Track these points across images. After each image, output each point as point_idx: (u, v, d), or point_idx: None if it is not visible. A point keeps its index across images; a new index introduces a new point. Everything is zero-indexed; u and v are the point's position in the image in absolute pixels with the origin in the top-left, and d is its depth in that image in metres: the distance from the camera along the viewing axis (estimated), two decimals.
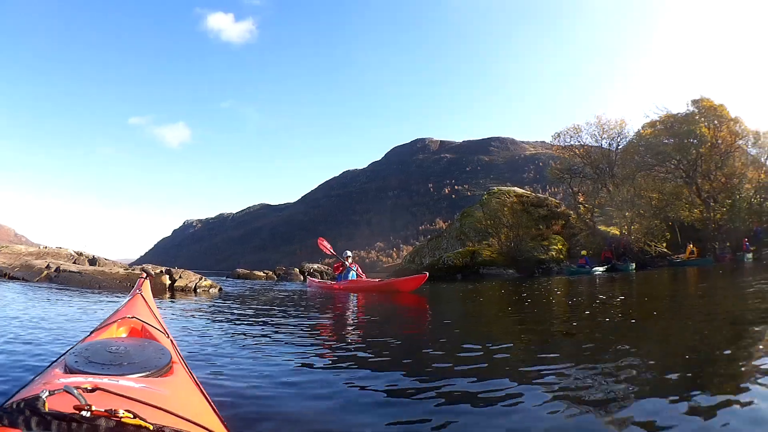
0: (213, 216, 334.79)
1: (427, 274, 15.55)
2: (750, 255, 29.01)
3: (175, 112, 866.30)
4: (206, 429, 1.50)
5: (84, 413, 1.23)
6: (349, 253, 19.26)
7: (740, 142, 37.12)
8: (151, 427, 1.25)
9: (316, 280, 22.07)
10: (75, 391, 1.34)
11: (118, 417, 1.24)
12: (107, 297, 11.42)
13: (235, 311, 9.15)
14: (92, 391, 1.45)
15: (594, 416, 2.69)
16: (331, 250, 20.53)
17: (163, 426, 1.30)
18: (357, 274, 18.37)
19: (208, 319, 7.73)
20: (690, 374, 3.50)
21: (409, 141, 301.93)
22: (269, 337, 5.89)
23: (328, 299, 13.42)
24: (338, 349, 5.29)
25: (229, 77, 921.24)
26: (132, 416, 1.26)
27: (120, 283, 15.22)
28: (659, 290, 13.16)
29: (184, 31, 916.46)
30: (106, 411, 1.26)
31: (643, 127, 40.69)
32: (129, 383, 1.70)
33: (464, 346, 5.00)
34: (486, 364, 4.12)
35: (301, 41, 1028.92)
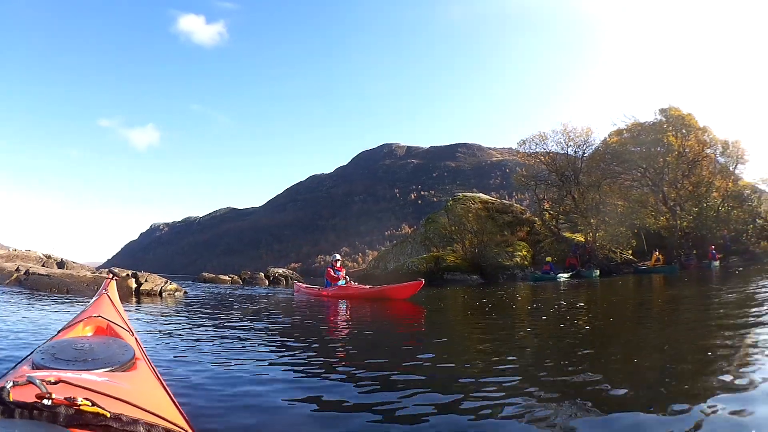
0: (179, 220, 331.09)
1: (423, 281, 14.63)
2: (717, 263, 29.10)
3: (144, 114, 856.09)
4: (166, 420, 1.47)
5: (45, 402, 1.26)
6: (338, 256, 18.48)
7: (708, 150, 37.55)
8: (108, 414, 1.26)
9: (304, 286, 20.46)
10: (38, 381, 1.38)
11: (77, 405, 1.26)
12: (79, 299, 11.92)
13: (199, 315, 9.48)
14: (55, 383, 1.47)
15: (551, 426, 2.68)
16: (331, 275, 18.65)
17: (120, 414, 1.30)
18: (346, 281, 17.33)
19: (173, 321, 8.11)
20: (650, 383, 3.51)
21: (375, 146, 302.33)
22: (230, 339, 6.06)
23: (293, 303, 14.26)
24: (297, 350, 5.45)
25: (200, 80, 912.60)
26: (90, 404, 1.27)
27: (87, 286, 15.49)
28: (620, 297, 13.32)
29: (157, 33, 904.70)
30: (65, 399, 1.29)
31: (609, 135, 41.05)
32: (91, 377, 1.72)
33: (420, 355, 5.10)
34: (440, 375, 4.10)
35: (270, 45, 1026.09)
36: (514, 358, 4.57)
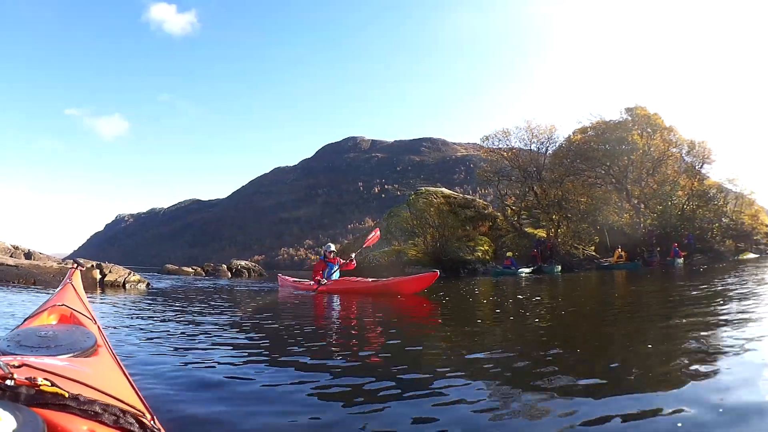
0: (145, 211, 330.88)
1: (437, 272, 12.84)
2: (681, 260, 29.19)
3: (112, 103, 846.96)
4: (123, 402, 1.50)
5: (8, 382, 1.29)
6: (332, 246, 15.95)
7: (674, 150, 37.88)
8: (67, 395, 1.28)
9: (290, 279, 17.97)
10: (2, 364, 1.39)
11: (38, 385, 1.29)
12: (45, 289, 12.13)
13: (161, 305, 9.44)
14: (19, 366, 1.50)
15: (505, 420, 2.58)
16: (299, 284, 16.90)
17: (78, 394, 1.32)
18: (341, 273, 15.17)
19: (135, 311, 8.18)
20: (612, 374, 3.48)
21: (340, 139, 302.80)
22: (191, 329, 6.03)
23: (266, 296, 13.61)
24: (258, 341, 5.44)
25: (169, 70, 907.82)
26: (50, 385, 1.30)
27: (54, 277, 15.51)
28: (581, 292, 13.16)
29: (128, 21, 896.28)
30: (27, 380, 1.31)
31: (573, 133, 41.22)
32: (54, 362, 1.73)
33: (363, 351, 4.84)
34: (396, 367, 3.88)
35: (240, 36, 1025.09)
36: (472, 352, 4.37)
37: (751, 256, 32.97)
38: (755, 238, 36.33)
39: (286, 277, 18.60)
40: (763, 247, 36.21)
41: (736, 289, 9.65)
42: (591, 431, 2.35)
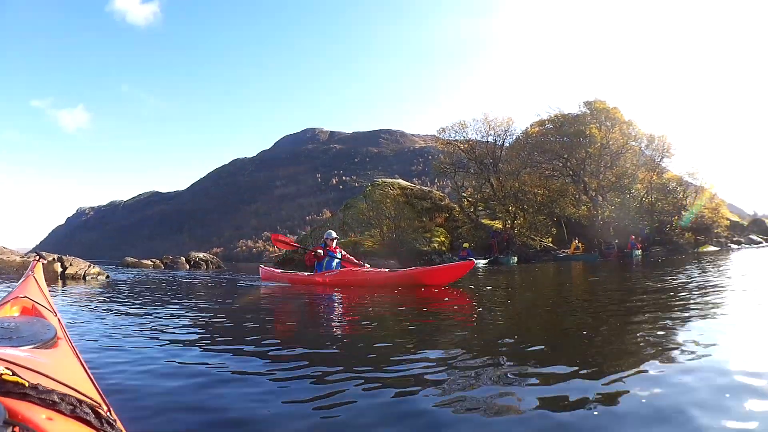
0: (105, 203, 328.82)
1: (474, 261, 11.47)
2: (639, 252, 29.29)
3: (74, 94, 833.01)
4: (80, 392, 1.47)
5: None
6: (333, 234, 13.37)
7: (633, 143, 38.06)
8: (27, 384, 1.28)
9: (278, 271, 15.32)
10: None
11: None
12: (8, 282, 11.95)
13: (119, 297, 9.33)
14: None
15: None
16: (292, 243, 15.52)
17: (38, 384, 1.32)
18: (343, 263, 12.74)
19: (94, 303, 8.09)
20: (569, 359, 3.36)
21: (299, 130, 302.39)
22: (148, 321, 5.85)
23: (229, 289, 12.74)
24: (214, 333, 5.18)
25: (131, 61, 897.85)
26: (11, 374, 1.30)
27: (17, 270, 15.84)
28: (533, 283, 12.73)
29: (92, 11, 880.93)
30: None
31: (531, 125, 41.42)
32: (15, 352, 1.72)
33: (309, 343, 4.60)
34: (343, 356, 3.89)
35: (201, 26, 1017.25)
36: (428, 348, 4.09)
37: (712, 248, 33.21)
38: (716, 231, 36.66)
39: (273, 270, 15.99)
40: (723, 240, 36.55)
41: (690, 281, 9.54)
42: (550, 421, 2.26)
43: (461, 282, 11.64)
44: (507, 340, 4.19)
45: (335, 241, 13.14)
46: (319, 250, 12.89)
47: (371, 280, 11.61)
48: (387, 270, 12.13)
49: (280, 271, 15.48)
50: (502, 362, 3.38)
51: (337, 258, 12.77)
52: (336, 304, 8.23)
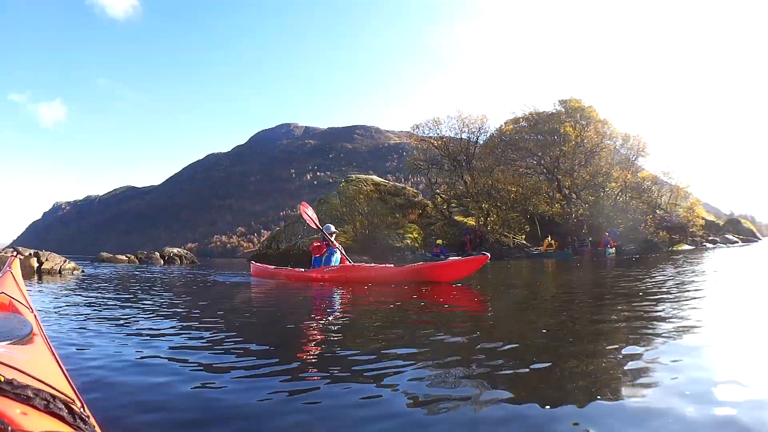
0: (81, 198, 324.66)
1: (488, 255, 10.51)
2: (612, 250, 29.49)
3: (53, 88, 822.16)
4: (54, 388, 1.49)
5: None
6: (333, 228, 12.78)
7: (608, 142, 38.20)
8: (2, 379, 1.32)
9: (272, 267, 14.39)
10: None
11: None
12: None
13: (94, 293, 9.21)
14: None
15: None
16: (315, 222, 13.42)
17: (13, 379, 1.36)
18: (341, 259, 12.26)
19: (69, 299, 8.03)
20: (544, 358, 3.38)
21: (274, 126, 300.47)
22: (122, 316, 5.83)
23: (206, 284, 12.44)
24: (192, 329, 5.11)
25: (109, 54, 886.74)
26: None
27: None
28: (504, 280, 12.62)
29: (74, 4, 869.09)
30: None
31: (506, 123, 41.36)
32: None
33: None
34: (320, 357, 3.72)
35: (179, 20, 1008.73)
36: (396, 346, 4.01)
37: (686, 247, 33.24)
38: (691, 230, 36.74)
39: (266, 266, 14.88)
40: (698, 239, 36.61)
41: (662, 280, 9.45)
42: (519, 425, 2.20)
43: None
44: (482, 341, 4.06)
45: (334, 235, 12.62)
46: (316, 244, 12.44)
47: (375, 277, 10.94)
48: (392, 265, 11.39)
49: (273, 267, 14.47)
50: (475, 362, 3.30)
51: (338, 253, 12.26)
52: (326, 301, 8.03)
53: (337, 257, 12.20)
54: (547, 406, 2.34)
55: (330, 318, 5.95)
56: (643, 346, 3.54)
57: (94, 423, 1.45)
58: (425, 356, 3.53)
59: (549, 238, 30.86)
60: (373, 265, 11.74)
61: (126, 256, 33.07)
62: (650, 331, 4.13)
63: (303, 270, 12.75)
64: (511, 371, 3.02)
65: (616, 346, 3.61)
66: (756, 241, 42.11)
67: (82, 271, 16.70)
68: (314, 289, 9.84)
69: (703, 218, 39.62)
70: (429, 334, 4.67)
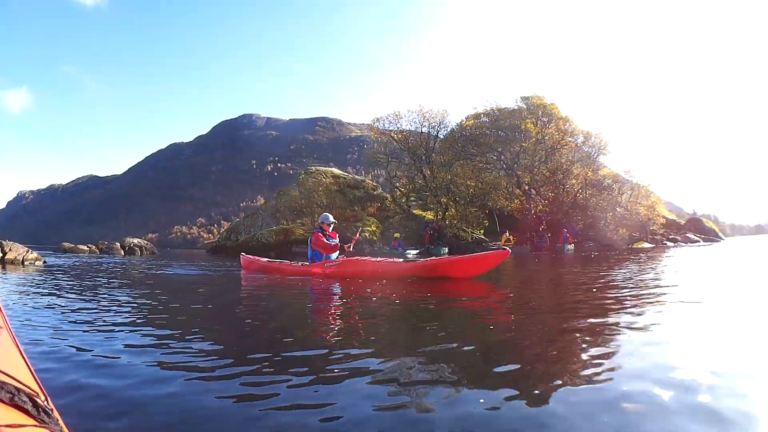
0: (44, 187, 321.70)
1: (509, 250, 9.61)
2: (571, 246, 29.59)
3: (20, 75, 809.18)
4: (20, 381, 1.46)
5: None
6: (330, 217, 11.59)
7: (570, 139, 38.17)
8: None
9: (264, 260, 13.17)
10: None
11: None
12: None
13: (57, 283, 9.09)
14: None
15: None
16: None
17: None
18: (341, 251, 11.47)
19: (34, 289, 7.96)
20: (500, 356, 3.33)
21: (236, 116, 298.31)
22: (85, 308, 5.74)
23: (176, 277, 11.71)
24: (158, 321, 4.99)
25: (77, 42, 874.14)
26: None
27: None
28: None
29: None
30: None
31: (467, 118, 41.14)
32: None
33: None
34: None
35: (147, 8, 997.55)
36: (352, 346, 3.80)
37: (647, 245, 33.19)
38: (651, 228, 36.85)
39: (258, 258, 13.55)
40: (659, 238, 36.66)
41: (620, 275, 9.38)
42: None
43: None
44: (443, 341, 3.84)
45: (332, 226, 11.56)
46: (320, 234, 11.13)
47: (383, 272, 10.05)
48: (402, 260, 10.74)
49: (266, 259, 13.27)
50: (437, 361, 3.14)
51: (336, 244, 11.27)
52: (312, 297, 7.61)
53: (334, 251, 11.34)
54: (518, 399, 2.33)
55: (301, 315, 5.75)
56: (605, 337, 3.57)
57: (58, 416, 1.41)
58: (379, 354, 3.37)
59: (507, 234, 30.69)
60: (380, 259, 10.76)
61: (87, 247, 33.31)
62: (609, 324, 4.12)
63: (302, 264, 11.83)
64: (472, 367, 3.00)
65: (578, 339, 3.61)
66: (718, 241, 42.11)
67: (44, 262, 16.67)
68: (309, 285, 8.91)
69: (664, 217, 39.83)
70: (385, 331, 4.57)
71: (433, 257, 11.10)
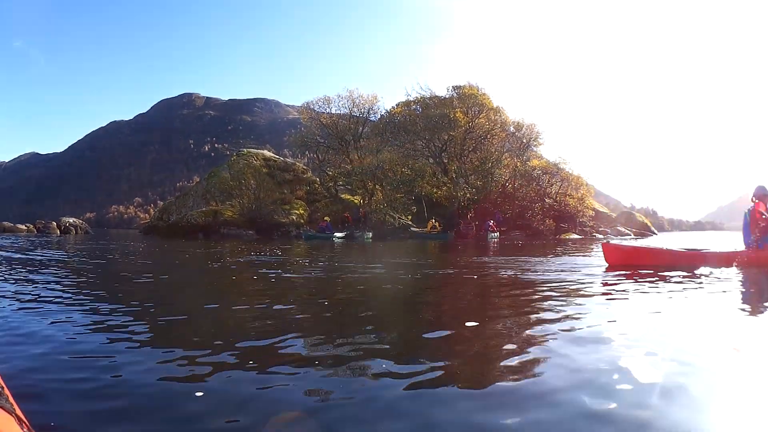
0: None
1: None
2: (496, 235, 29.47)
3: None
4: None
5: None
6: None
7: (500, 129, 38.42)
8: None
9: (673, 249, 9.31)
10: None
11: None
12: None
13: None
14: None
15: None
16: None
17: None
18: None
19: None
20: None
21: (176, 95, 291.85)
22: (31, 292, 5.36)
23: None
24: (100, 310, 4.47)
25: (28, 17, 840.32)
26: None
27: None
28: (373, 261, 11.28)
29: None
30: None
31: (397, 105, 41.03)
32: None
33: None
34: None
35: None
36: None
37: (574, 236, 33.01)
38: (580, 220, 36.95)
39: (676, 250, 9.26)
40: (588, 230, 36.54)
41: (535, 265, 9.12)
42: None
43: (315, 253, 11.00)
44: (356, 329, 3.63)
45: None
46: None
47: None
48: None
49: (677, 249, 9.35)
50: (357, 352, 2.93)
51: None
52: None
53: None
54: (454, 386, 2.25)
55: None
56: (523, 326, 3.53)
57: (13, 402, 1.36)
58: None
59: (433, 220, 30.25)
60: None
61: (26, 226, 34.23)
62: (523, 310, 4.15)
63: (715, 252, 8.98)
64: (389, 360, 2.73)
65: (501, 329, 3.52)
66: (650, 235, 41.82)
67: None
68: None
69: (593, 209, 39.99)
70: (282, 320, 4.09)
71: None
